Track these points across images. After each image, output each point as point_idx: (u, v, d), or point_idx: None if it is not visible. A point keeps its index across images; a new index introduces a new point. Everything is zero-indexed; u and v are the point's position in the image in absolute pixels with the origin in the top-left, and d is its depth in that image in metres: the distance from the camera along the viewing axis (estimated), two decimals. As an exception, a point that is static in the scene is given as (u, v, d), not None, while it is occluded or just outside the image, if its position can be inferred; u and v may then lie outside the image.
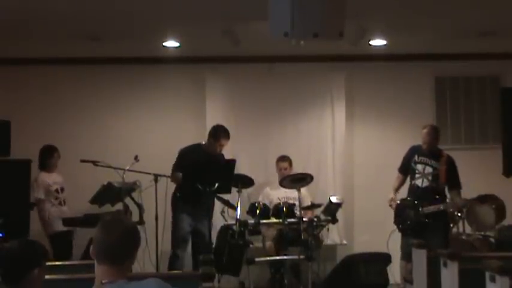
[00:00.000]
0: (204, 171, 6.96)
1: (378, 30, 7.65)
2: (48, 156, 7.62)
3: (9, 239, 6.53)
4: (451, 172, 7.16)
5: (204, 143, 7.45)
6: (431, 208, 7.02)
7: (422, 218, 7.04)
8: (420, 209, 7.06)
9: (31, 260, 3.04)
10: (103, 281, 2.74)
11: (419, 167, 7.21)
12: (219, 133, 7.36)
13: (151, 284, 2.79)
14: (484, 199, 7.79)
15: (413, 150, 7.34)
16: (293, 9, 4.66)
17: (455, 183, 7.16)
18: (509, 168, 6.93)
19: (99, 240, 2.78)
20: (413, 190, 7.24)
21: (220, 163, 7.26)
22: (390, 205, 7.28)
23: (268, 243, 7.58)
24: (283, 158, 8.13)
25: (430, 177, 7.15)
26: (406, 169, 7.35)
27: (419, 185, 7.19)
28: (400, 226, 7.24)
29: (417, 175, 7.21)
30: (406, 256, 7.04)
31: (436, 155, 7.22)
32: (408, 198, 7.24)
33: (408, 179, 7.36)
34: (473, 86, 8.97)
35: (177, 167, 7.33)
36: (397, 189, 7.39)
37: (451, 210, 7.20)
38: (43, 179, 7.54)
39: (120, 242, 2.78)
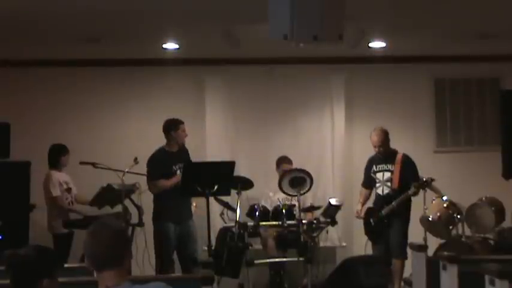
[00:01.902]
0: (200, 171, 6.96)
1: (377, 32, 7.66)
2: (61, 155, 7.69)
3: (8, 242, 6.57)
4: (406, 171, 7.31)
5: (164, 145, 7.33)
6: (387, 209, 7.25)
7: (382, 220, 7.29)
8: (379, 214, 7.31)
9: (42, 269, 2.95)
10: (108, 285, 2.73)
11: (379, 175, 7.43)
12: (174, 121, 7.27)
13: (158, 286, 2.78)
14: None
15: (371, 162, 7.55)
16: (293, 11, 4.67)
17: (411, 180, 7.26)
18: (509, 170, 6.92)
19: (92, 252, 2.77)
20: (377, 199, 7.47)
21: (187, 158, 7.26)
22: (357, 217, 7.55)
23: (270, 242, 7.59)
24: (287, 160, 8.11)
25: (389, 183, 7.33)
26: (369, 182, 7.55)
27: (381, 193, 7.41)
28: (368, 236, 7.50)
29: (378, 184, 7.42)
30: None
31: (391, 158, 7.39)
32: (370, 206, 7.50)
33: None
34: (472, 88, 8.97)
35: (153, 176, 7.19)
36: (363, 203, 7.59)
37: (409, 195, 7.29)
38: (57, 178, 7.63)
39: (113, 246, 2.77)
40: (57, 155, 7.71)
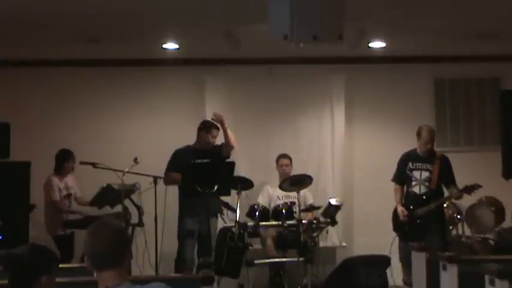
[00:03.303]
0: (200, 170, 6.95)
1: (377, 32, 7.66)
2: (64, 161, 7.72)
3: (8, 242, 6.58)
4: (444, 171, 7.20)
5: (192, 144, 7.43)
6: (423, 209, 7.10)
7: (415, 220, 7.13)
8: (414, 213, 7.16)
9: (39, 266, 2.96)
10: (108, 286, 2.73)
11: (416, 173, 7.25)
12: (209, 125, 7.40)
13: (158, 286, 2.79)
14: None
15: (406, 158, 7.37)
16: (293, 12, 4.67)
17: (449, 181, 7.19)
18: (509, 171, 6.92)
19: (93, 252, 2.77)
20: (411, 197, 7.28)
21: (218, 156, 7.28)
22: (404, 218, 7.23)
23: (269, 241, 7.59)
24: (285, 155, 8.15)
25: (427, 183, 7.18)
26: (402, 178, 7.37)
27: (417, 192, 7.23)
28: (398, 232, 7.33)
29: (414, 182, 7.25)
30: (404, 260, 7.12)
31: (431, 157, 7.26)
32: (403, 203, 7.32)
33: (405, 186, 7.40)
34: (472, 88, 8.97)
35: (169, 168, 7.30)
36: (402, 201, 7.36)
37: (447, 202, 7.27)
38: (56, 183, 7.66)
39: (114, 245, 2.76)
40: (60, 161, 7.72)
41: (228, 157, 7.35)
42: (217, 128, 7.41)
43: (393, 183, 7.46)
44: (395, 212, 7.36)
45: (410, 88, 8.88)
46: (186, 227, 7.23)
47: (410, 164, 7.29)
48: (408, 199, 7.31)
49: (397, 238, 7.37)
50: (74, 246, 7.52)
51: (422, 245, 6.08)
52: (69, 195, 7.72)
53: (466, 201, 7.80)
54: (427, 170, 7.21)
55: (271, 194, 8.07)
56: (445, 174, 7.19)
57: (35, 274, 2.94)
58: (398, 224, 7.33)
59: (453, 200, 7.36)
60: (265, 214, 7.31)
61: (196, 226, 7.21)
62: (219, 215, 7.52)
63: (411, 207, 7.22)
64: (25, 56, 8.39)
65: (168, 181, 7.32)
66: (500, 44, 8.13)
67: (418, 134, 7.28)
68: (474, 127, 8.94)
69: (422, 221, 7.12)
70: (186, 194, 7.21)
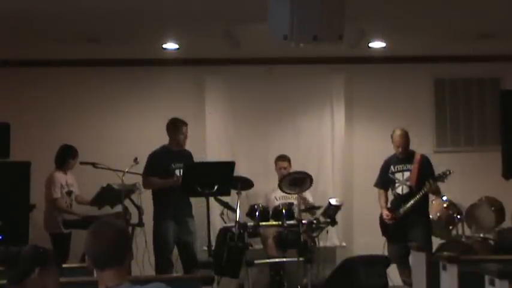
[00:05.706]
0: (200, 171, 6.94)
1: (377, 32, 7.66)
2: (70, 158, 7.69)
3: (8, 242, 6.58)
4: (424, 170, 7.26)
5: (167, 143, 7.39)
6: (405, 207, 7.19)
7: (401, 219, 7.21)
8: (396, 212, 7.25)
9: (32, 259, 3.01)
10: (108, 286, 2.73)
11: (398, 175, 7.36)
12: (177, 123, 7.33)
13: (158, 287, 2.79)
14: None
15: (388, 163, 7.47)
16: (293, 12, 4.68)
17: (429, 179, 7.21)
18: (509, 171, 6.92)
19: (94, 251, 2.77)
20: (395, 199, 7.40)
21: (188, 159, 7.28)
22: (390, 221, 7.34)
23: (269, 241, 7.59)
24: (283, 157, 8.15)
25: (408, 183, 7.27)
26: (385, 183, 7.48)
27: (400, 192, 7.32)
28: (386, 236, 7.41)
29: (397, 184, 7.34)
30: (397, 261, 7.16)
31: (410, 158, 7.36)
32: (388, 207, 7.41)
33: (390, 190, 7.48)
34: (472, 88, 8.98)
35: (147, 171, 7.22)
36: (386, 205, 7.47)
37: (425, 191, 7.26)
38: (59, 179, 7.62)
39: (115, 244, 2.76)
40: (65, 157, 7.70)
41: None
42: (186, 125, 7.36)
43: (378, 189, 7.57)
44: (381, 218, 7.45)
45: (410, 88, 8.88)
46: (162, 233, 7.15)
47: (392, 167, 7.41)
48: (394, 201, 7.42)
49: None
50: (70, 246, 7.50)
51: (420, 245, 6.08)
52: (70, 192, 7.71)
53: (466, 201, 7.79)
54: (407, 170, 7.31)
55: (268, 197, 8.06)
56: (425, 173, 7.25)
57: (28, 267, 2.96)
58: (385, 228, 7.42)
59: (426, 191, 7.31)
60: (265, 214, 7.31)
61: (174, 231, 7.17)
62: (219, 216, 7.54)
63: (395, 208, 7.31)
64: (25, 56, 8.39)
65: (147, 185, 7.25)
66: (500, 44, 8.14)
67: (391, 137, 7.41)
68: (474, 127, 8.94)
69: (406, 220, 7.20)
70: (158, 200, 7.19)
